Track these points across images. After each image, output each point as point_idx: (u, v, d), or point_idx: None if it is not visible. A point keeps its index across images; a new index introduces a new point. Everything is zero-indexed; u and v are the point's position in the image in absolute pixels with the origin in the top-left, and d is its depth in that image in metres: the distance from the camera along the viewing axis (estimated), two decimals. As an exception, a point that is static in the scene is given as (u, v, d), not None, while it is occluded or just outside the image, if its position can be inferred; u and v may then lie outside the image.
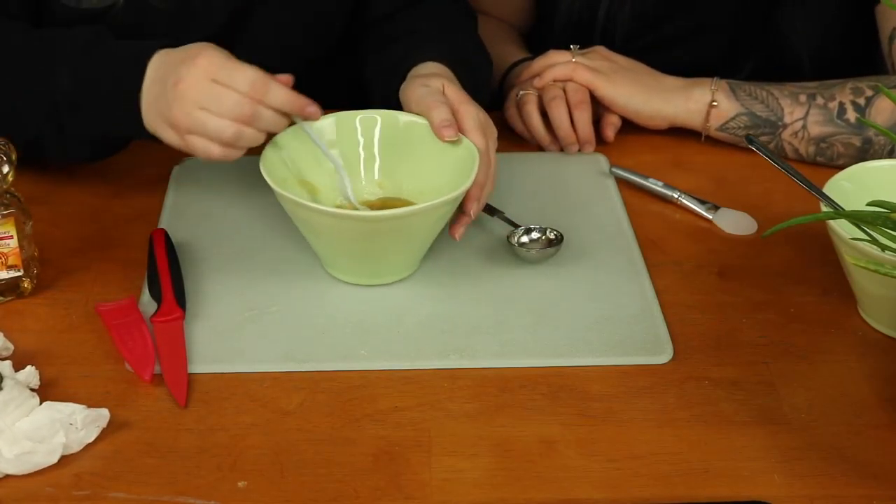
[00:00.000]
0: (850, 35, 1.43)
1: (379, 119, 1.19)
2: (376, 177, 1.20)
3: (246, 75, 1.07)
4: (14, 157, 1.06)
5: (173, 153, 1.32)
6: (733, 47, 1.45)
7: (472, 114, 1.16)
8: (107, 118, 1.14)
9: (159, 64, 1.11)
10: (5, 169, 1.06)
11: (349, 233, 1.10)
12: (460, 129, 1.14)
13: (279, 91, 1.09)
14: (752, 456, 0.96)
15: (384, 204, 1.18)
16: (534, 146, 1.37)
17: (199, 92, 1.07)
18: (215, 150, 1.09)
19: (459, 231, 1.14)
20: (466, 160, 1.12)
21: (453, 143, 1.14)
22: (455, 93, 1.18)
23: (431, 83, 1.18)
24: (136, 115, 1.11)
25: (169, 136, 1.11)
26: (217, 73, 1.07)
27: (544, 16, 1.54)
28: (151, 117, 1.11)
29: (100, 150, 1.22)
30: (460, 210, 1.14)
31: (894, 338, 1.08)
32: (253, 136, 1.09)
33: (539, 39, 1.52)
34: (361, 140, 1.19)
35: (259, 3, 1.28)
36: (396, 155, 1.19)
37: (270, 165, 1.12)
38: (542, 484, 0.93)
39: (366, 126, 1.19)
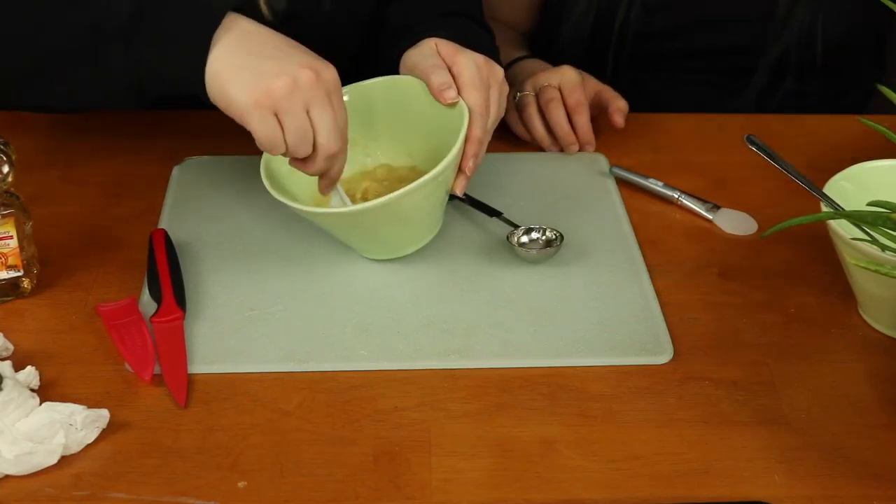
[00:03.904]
0: (866, 26, 1.43)
1: (363, 89, 1.19)
2: (379, 147, 1.21)
3: (345, 117, 1.07)
4: (14, 157, 1.06)
5: (173, 153, 1.33)
6: (754, 40, 1.44)
7: (467, 64, 1.14)
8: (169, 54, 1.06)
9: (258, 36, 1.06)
10: (5, 169, 1.06)
11: (348, 225, 1.12)
12: (457, 85, 1.14)
13: (343, 158, 1.09)
14: (752, 456, 0.96)
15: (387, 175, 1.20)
16: (534, 147, 1.37)
17: (313, 97, 1.04)
18: (280, 146, 1.05)
19: (460, 187, 1.14)
20: (459, 119, 1.13)
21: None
22: (447, 46, 1.16)
23: (423, 45, 1.17)
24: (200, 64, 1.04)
25: (239, 100, 1.03)
26: (334, 91, 1.05)
27: (552, 16, 1.53)
28: (236, 65, 1.04)
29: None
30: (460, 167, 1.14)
31: (894, 338, 1.08)
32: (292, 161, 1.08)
33: (548, 42, 1.51)
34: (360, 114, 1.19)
35: None
36: (393, 120, 1.19)
37: (270, 170, 1.13)
38: (542, 484, 0.93)
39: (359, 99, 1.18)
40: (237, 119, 1.05)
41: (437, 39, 1.18)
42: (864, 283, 1.07)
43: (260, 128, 1.03)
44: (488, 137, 1.16)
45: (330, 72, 1.05)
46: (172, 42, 1.05)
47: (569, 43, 1.50)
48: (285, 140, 1.04)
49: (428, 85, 1.15)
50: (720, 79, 1.50)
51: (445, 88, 1.13)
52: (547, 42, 1.53)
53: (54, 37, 1.06)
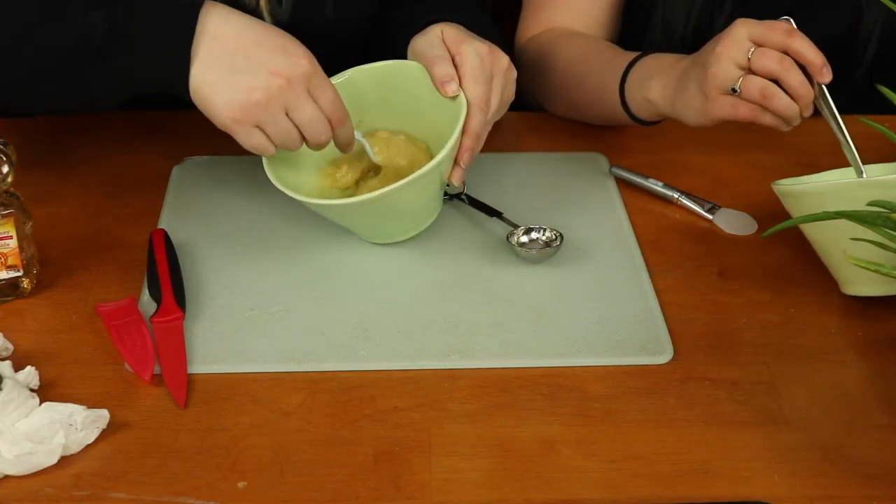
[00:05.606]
0: None
1: (366, 73, 1.20)
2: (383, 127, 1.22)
3: (332, 95, 1.09)
4: (14, 157, 1.06)
5: (173, 153, 1.33)
6: (855, 27, 1.42)
7: (469, 54, 1.15)
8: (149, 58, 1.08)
9: (234, 27, 1.07)
10: (5, 169, 1.06)
11: (344, 214, 1.15)
12: (458, 75, 1.14)
13: (349, 126, 1.12)
14: (752, 456, 0.96)
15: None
16: (533, 147, 1.37)
17: (287, 100, 1.07)
18: (270, 150, 1.09)
19: (456, 177, 1.15)
20: (459, 110, 1.14)
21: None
22: (453, 34, 1.17)
23: (430, 32, 1.18)
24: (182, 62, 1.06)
25: (220, 117, 1.07)
26: (312, 80, 1.08)
27: (641, 23, 1.46)
28: (212, 81, 1.06)
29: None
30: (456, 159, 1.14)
31: (881, 296, 1.09)
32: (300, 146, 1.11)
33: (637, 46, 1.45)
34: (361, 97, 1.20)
35: None
36: (395, 103, 1.21)
37: (273, 162, 1.15)
38: (542, 484, 0.93)
39: (358, 84, 1.20)
40: (223, 130, 1.08)
41: (444, 26, 1.18)
42: (821, 240, 1.08)
43: (245, 140, 1.08)
44: (488, 129, 1.16)
45: (302, 65, 1.07)
46: (151, 50, 1.07)
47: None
48: (274, 144, 1.09)
49: (431, 76, 1.16)
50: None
51: (447, 81, 1.14)
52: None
53: (34, 56, 1.08)
